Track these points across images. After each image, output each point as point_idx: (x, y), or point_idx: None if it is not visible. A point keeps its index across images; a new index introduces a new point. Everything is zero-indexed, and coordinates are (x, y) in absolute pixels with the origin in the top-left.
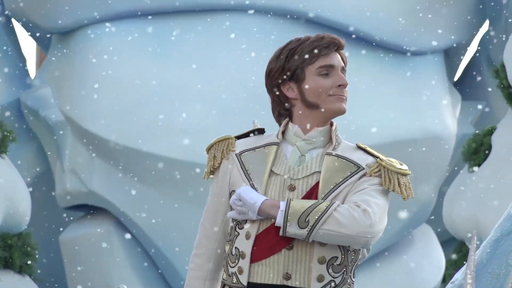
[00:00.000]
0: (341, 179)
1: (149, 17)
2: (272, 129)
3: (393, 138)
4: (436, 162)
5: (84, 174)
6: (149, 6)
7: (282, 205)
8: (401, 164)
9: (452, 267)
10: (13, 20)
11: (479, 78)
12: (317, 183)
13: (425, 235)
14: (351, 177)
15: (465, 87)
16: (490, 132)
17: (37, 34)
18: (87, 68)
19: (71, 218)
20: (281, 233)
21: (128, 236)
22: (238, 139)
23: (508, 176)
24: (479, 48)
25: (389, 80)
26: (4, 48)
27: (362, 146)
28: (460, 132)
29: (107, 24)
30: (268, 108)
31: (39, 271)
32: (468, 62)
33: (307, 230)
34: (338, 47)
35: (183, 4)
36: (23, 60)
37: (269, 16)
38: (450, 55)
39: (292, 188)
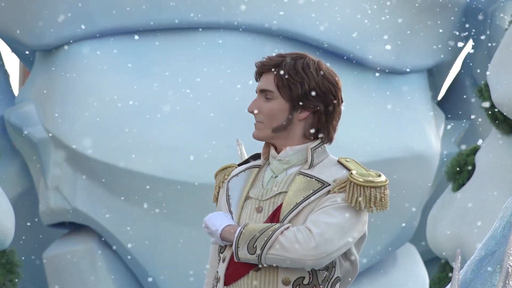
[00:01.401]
0: (302, 198)
1: (131, 34)
2: (254, 147)
3: (377, 157)
4: (419, 181)
5: (68, 192)
6: (130, 23)
7: (237, 231)
8: (378, 176)
9: (436, 286)
10: None
11: (462, 97)
12: (282, 204)
13: (409, 254)
14: (313, 195)
15: (448, 106)
16: (474, 151)
17: (21, 51)
18: (70, 85)
19: (55, 235)
20: (235, 258)
21: (111, 253)
22: (240, 165)
23: (491, 195)
24: (462, 67)
25: (373, 98)
26: None
27: (342, 160)
28: (443, 151)
29: (89, 41)
30: (249, 127)
31: None
32: (452, 81)
33: (256, 256)
34: (262, 72)
35: (165, 22)
36: (6, 77)
37: (251, 34)
38: (434, 74)
39: (259, 210)
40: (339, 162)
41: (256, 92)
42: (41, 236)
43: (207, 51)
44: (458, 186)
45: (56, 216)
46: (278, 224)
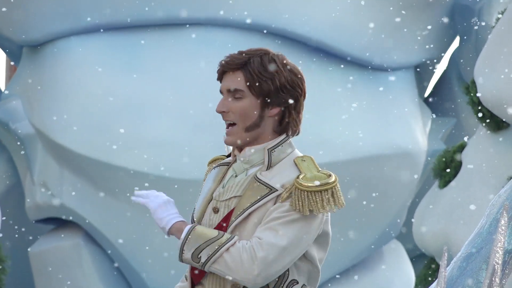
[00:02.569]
0: (249, 205)
1: (119, 30)
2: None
3: (363, 154)
4: (406, 178)
5: (54, 187)
6: (118, 19)
7: (184, 232)
8: (328, 176)
9: (422, 283)
10: None
11: (449, 94)
12: (234, 208)
13: (395, 251)
14: (259, 201)
15: (435, 103)
16: (461, 148)
17: (8, 46)
18: (57, 81)
19: (41, 231)
20: (178, 258)
21: (97, 249)
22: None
23: (478, 192)
24: (449, 64)
25: (359, 95)
26: None
27: (298, 160)
28: (430, 148)
29: (77, 37)
30: None
31: (8, 284)
32: (439, 78)
33: (200, 266)
34: (226, 71)
35: (153, 18)
36: None
37: (239, 30)
38: (421, 71)
39: (216, 211)
40: (294, 162)
41: (221, 92)
42: (27, 231)
43: (196, 47)
44: (445, 183)
45: (43, 212)
46: (225, 237)
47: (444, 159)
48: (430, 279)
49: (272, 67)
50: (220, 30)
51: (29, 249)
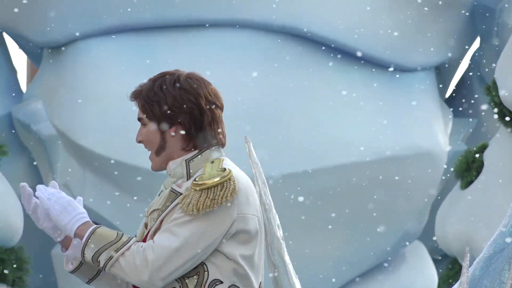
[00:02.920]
0: (161, 213)
1: (138, 32)
2: (262, 144)
3: (384, 155)
4: (427, 179)
5: (76, 188)
6: (138, 21)
7: (85, 235)
8: (223, 172)
9: (445, 284)
10: (4, 33)
11: (470, 95)
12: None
13: (418, 251)
14: (167, 207)
15: (456, 104)
16: (482, 149)
17: (29, 48)
18: (78, 82)
19: None
20: (81, 260)
21: None
22: None
23: (499, 193)
24: (470, 65)
25: (380, 96)
26: None
27: (206, 164)
28: (451, 149)
29: (97, 38)
30: (256, 125)
31: (31, 285)
32: (460, 79)
33: (101, 269)
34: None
35: (171, 20)
36: (14, 73)
37: (257, 32)
38: (442, 72)
39: (146, 226)
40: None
41: None
42: None
43: (213, 48)
44: (467, 184)
45: None
46: (121, 241)
47: (465, 160)
48: (452, 280)
49: (161, 89)
50: (238, 31)
51: (52, 251)
